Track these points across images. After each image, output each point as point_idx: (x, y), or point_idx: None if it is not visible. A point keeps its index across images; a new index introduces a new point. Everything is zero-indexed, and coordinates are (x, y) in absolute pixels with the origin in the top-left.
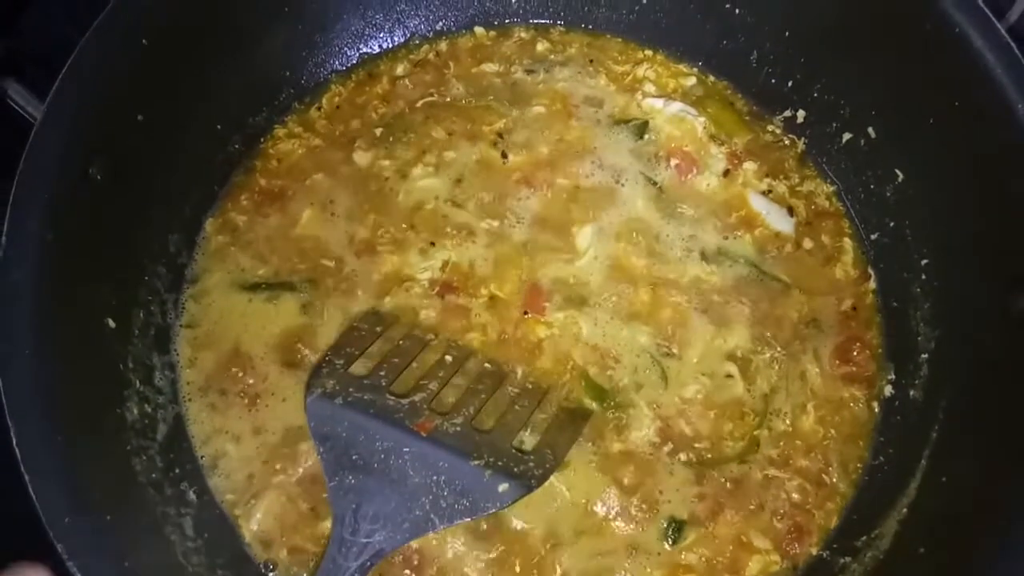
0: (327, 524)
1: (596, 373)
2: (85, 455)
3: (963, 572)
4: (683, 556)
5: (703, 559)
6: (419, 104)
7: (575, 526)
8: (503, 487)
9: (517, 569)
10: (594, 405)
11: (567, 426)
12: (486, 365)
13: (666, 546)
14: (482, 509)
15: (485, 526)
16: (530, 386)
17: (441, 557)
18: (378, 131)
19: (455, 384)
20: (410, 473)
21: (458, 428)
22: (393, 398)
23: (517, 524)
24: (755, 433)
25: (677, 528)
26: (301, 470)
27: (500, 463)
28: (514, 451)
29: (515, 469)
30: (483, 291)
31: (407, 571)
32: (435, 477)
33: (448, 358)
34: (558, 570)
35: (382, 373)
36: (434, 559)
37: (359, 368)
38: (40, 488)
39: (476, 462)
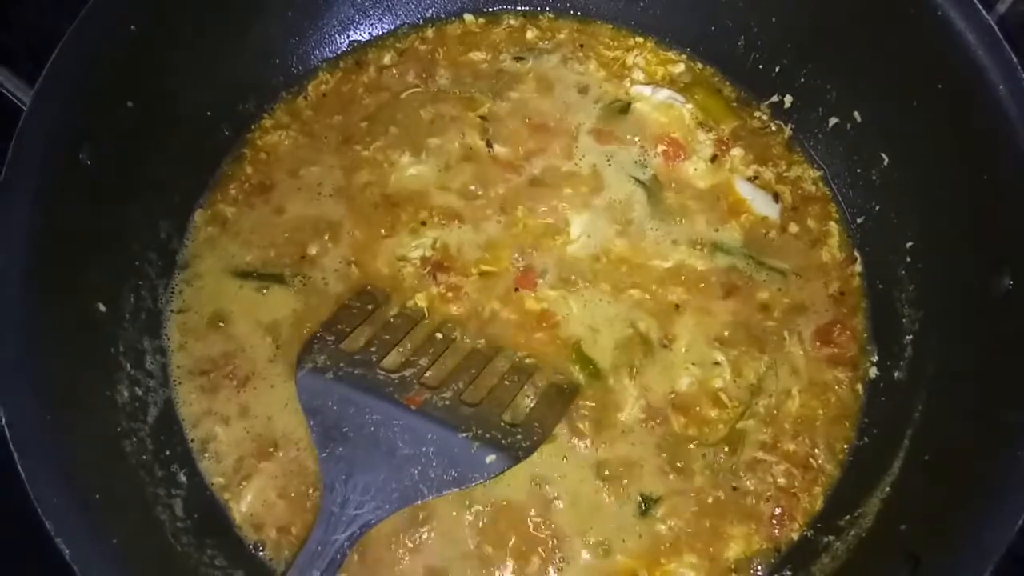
0: (317, 505)
1: (586, 349)
2: (74, 435)
3: (944, 547)
4: (662, 535)
5: (682, 538)
6: (404, 95)
7: (558, 499)
8: (491, 458)
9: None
10: (582, 378)
11: (555, 401)
12: (476, 341)
13: (644, 524)
14: (470, 479)
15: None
16: (519, 361)
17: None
18: (364, 124)
19: (446, 360)
20: (399, 445)
21: (447, 402)
22: (383, 373)
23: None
24: (738, 426)
25: (654, 506)
26: (290, 452)
27: (488, 435)
28: (502, 424)
29: (503, 441)
30: (473, 270)
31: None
32: (424, 449)
33: (439, 335)
34: (539, 542)
35: (373, 349)
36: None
37: (350, 344)
38: (29, 466)
39: (464, 434)
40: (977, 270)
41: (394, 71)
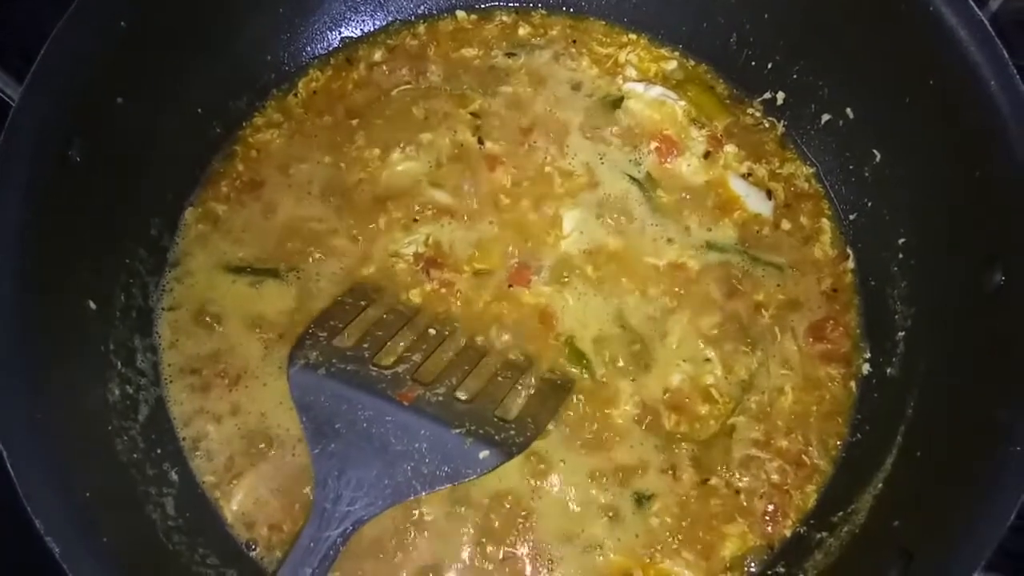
0: (309, 503)
1: (579, 346)
2: (65, 434)
3: (937, 543)
4: (656, 533)
5: (676, 536)
6: (395, 92)
7: (551, 495)
8: (484, 454)
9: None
10: (576, 374)
11: (549, 397)
12: (470, 338)
13: (638, 522)
14: (463, 475)
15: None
16: (513, 357)
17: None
18: (354, 122)
19: (439, 356)
20: (392, 441)
21: (440, 398)
22: (376, 369)
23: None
24: (729, 422)
25: (647, 503)
26: (282, 450)
27: (481, 431)
28: (496, 420)
29: (496, 437)
30: (466, 267)
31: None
32: (417, 445)
33: (432, 331)
34: (532, 538)
35: (365, 345)
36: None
37: (343, 340)
38: (18, 465)
39: (457, 430)
40: (969, 266)
41: (384, 68)
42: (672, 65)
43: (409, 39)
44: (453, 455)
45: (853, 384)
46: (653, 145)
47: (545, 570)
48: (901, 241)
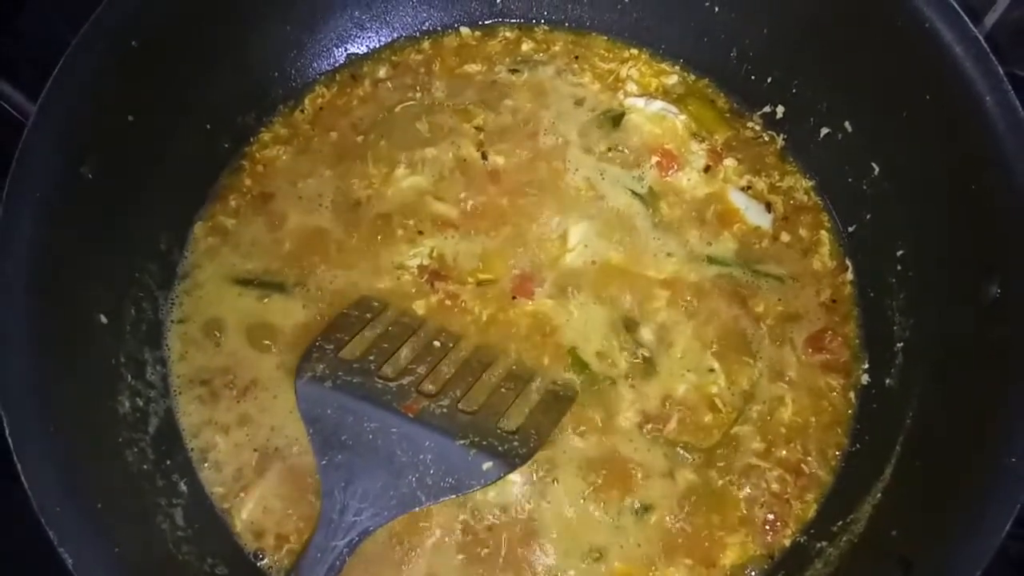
0: (316, 513)
1: (582, 357)
2: (77, 446)
3: (935, 552)
4: (657, 542)
5: (677, 545)
6: (399, 108)
7: (553, 505)
8: (487, 465)
9: (499, 539)
10: (579, 384)
11: (552, 408)
12: (474, 349)
13: (639, 531)
14: (467, 486)
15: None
16: (516, 368)
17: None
18: (360, 138)
19: (443, 368)
20: (397, 453)
21: (444, 410)
22: (381, 381)
23: (497, 499)
24: (732, 431)
25: (648, 513)
26: (289, 461)
27: (485, 443)
28: (499, 431)
29: (499, 448)
30: (470, 279)
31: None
32: (422, 456)
33: (436, 343)
34: (536, 548)
35: (371, 358)
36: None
37: (348, 353)
38: (32, 476)
39: (461, 442)
40: (966, 278)
41: (389, 84)
42: (673, 79)
43: (414, 55)
44: (457, 466)
45: (852, 394)
46: (654, 159)
47: None
48: (899, 253)
